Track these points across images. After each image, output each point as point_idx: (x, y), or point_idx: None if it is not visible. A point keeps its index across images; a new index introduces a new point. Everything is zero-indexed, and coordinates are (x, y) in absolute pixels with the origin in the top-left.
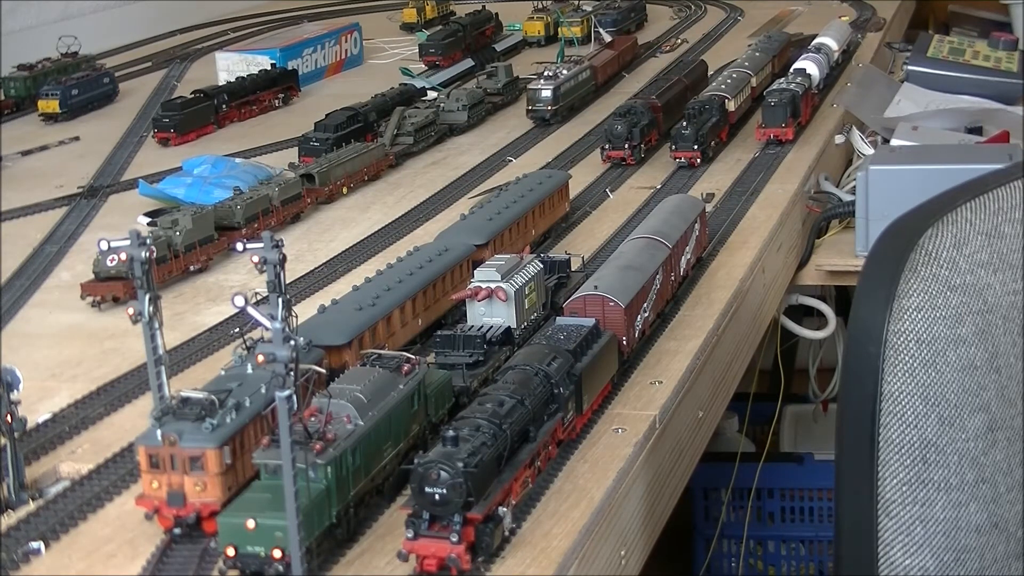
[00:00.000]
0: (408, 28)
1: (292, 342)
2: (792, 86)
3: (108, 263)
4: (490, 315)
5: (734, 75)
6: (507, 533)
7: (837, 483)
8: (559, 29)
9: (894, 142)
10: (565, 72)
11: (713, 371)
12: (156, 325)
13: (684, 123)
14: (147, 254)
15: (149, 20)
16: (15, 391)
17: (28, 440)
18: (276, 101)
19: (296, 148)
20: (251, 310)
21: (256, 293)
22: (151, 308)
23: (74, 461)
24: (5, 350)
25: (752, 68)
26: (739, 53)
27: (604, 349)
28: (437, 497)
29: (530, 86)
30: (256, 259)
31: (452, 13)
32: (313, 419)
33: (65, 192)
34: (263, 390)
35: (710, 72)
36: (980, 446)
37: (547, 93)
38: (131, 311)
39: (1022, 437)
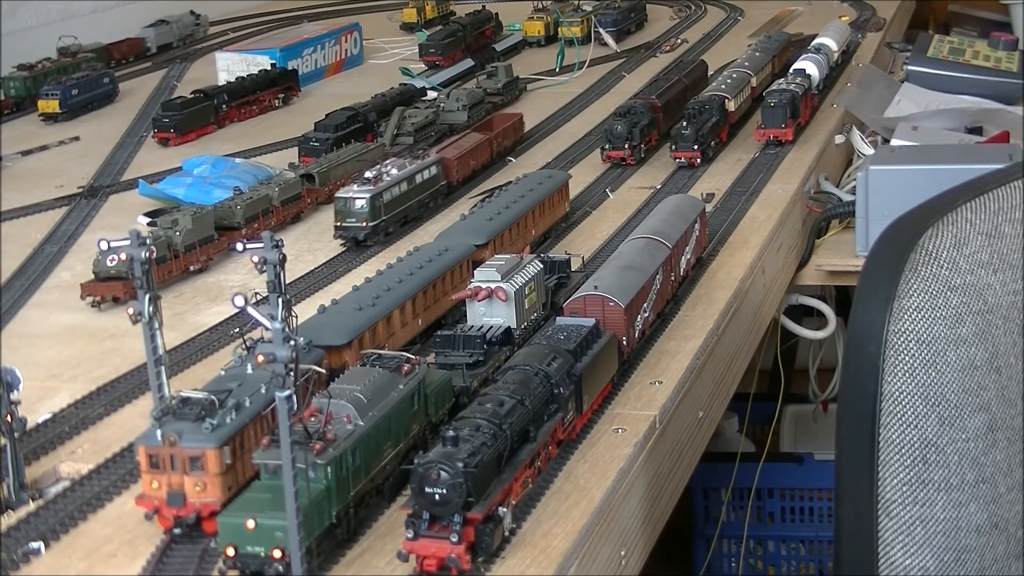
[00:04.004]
0: (408, 28)
1: (292, 342)
2: (792, 86)
3: (108, 263)
4: (490, 315)
5: (734, 75)
6: (507, 533)
7: (837, 483)
8: (559, 29)
9: (894, 142)
10: (394, 172)
11: (713, 371)
12: (156, 325)
13: (684, 123)
14: (147, 254)
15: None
16: (15, 391)
17: (28, 440)
18: (276, 101)
19: (296, 148)
20: (251, 310)
21: (256, 293)
22: (151, 308)
23: (74, 461)
24: (5, 350)
25: (752, 68)
26: (739, 53)
27: (604, 349)
28: (437, 497)
29: (339, 194)
30: (256, 259)
31: (452, 13)
32: (313, 419)
33: (65, 192)
34: (263, 390)
35: (710, 72)
36: (980, 446)
37: (361, 204)
38: (131, 311)
39: (1022, 437)
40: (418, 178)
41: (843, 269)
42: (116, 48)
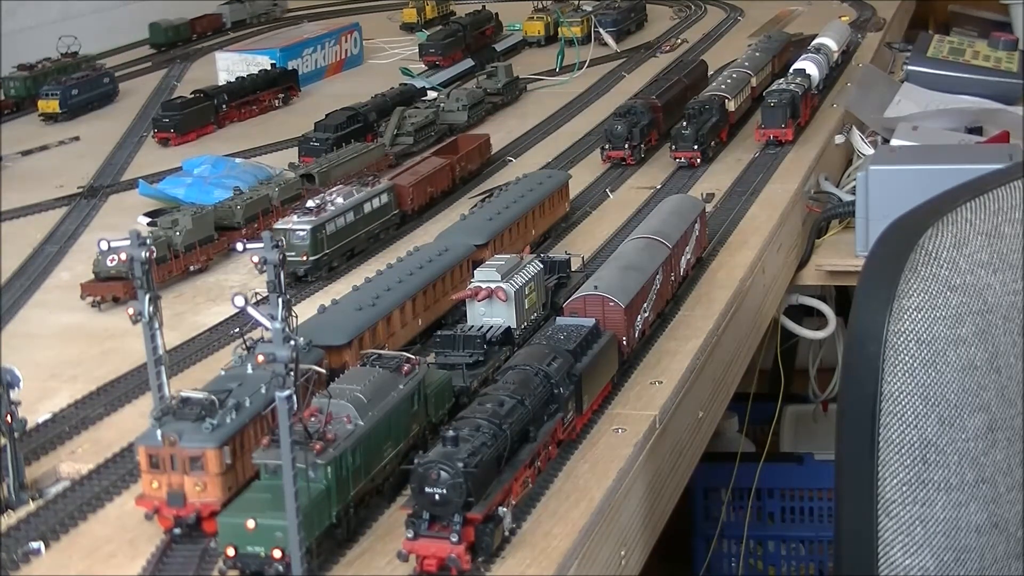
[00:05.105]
0: (408, 28)
1: (292, 342)
2: (792, 87)
3: (108, 263)
4: (490, 315)
5: (734, 75)
6: (507, 533)
7: (837, 483)
8: (559, 29)
9: (894, 142)
10: (339, 201)
11: (713, 371)
12: (156, 325)
13: (684, 123)
14: (147, 254)
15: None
16: (15, 391)
17: (28, 440)
18: (276, 101)
19: (296, 148)
20: (251, 310)
21: (256, 293)
22: (151, 308)
23: (74, 461)
24: (5, 350)
25: (752, 68)
26: (739, 53)
27: (604, 349)
28: (437, 497)
29: (277, 225)
30: (256, 259)
31: (452, 13)
32: (313, 419)
33: (65, 192)
34: (263, 390)
35: (710, 72)
36: (980, 446)
37: (301, 236)
38: (131, 311)
39: (1022, 437)
40: (367, 207)
41: (843, 269)
42: (198, 23)
